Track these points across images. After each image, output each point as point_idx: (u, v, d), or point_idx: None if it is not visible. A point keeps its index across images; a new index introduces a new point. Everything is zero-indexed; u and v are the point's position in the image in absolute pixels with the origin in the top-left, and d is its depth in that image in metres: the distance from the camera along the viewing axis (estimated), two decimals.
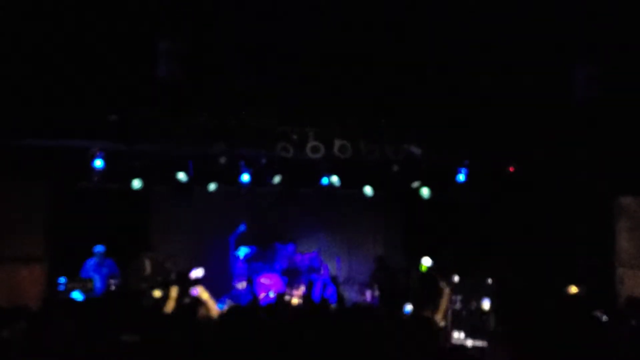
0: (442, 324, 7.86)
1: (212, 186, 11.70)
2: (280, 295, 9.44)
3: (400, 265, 12.65)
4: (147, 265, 10.69)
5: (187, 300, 8.19)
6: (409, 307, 9.41)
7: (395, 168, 11.25)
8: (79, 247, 10.73)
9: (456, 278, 9.81)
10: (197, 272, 10.31)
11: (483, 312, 9.26)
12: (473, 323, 9.14)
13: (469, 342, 8.65)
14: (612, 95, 8.97)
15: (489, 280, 9.62)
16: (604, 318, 7.07)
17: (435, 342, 5.75)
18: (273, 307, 8.44)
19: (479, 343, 8.31)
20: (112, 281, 10.24)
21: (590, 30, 8.54)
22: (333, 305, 9.84)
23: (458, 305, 9.64)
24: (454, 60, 9.15)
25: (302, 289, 11.70)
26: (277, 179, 11.56)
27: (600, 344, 5.30)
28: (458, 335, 8.84)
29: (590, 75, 8.93)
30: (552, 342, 5.14)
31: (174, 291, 9.04)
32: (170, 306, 8.90)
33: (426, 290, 11.32)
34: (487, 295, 9.41)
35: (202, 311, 7.63)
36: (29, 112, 9.14)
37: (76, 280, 9.83)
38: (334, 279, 9.31)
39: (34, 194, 10.25)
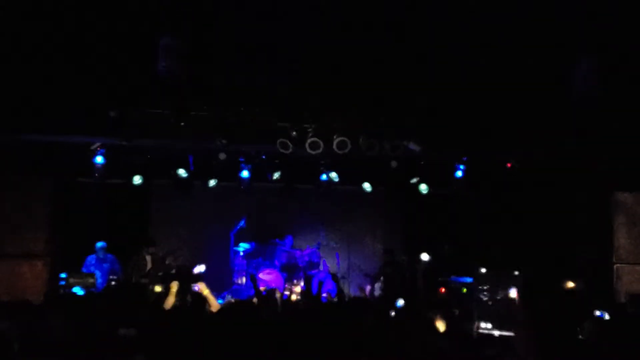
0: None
1: (212, 182, 11.73)
2: (270, 291, 9.48)
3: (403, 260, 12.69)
4: (148, 261, 10.72)
5: (189, 296, 8.23)
6: (400, 302, 9.44)
7: (394, 164, 11.29)
8: (80, 242, 10.77)
9: (483, 270, 9.84)
10: (199, 268, 10.35)
11: (510, 302, 9.31)
12: (500, 313, 9.16)
13: (496, 332, 8.70)
14: (611, 91, 8.98)
15: (516, 272, 9.65)
16: (606, 316, 7.11)
17: (434, 339, 5.81)
18: (266, 301, 8.54)
19: (506, 333, 8.34)
20: (113, 277, 10.27)
21: (591, 25, 8.53)
22: (333, 299, 9.92)
23: (485, 296, 9.66)
24: (452, 56, 9.14)
25: (301, 284, 11.76)
26: (276, 175, 11.59)
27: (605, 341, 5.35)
28: (485, 326, 8.89)
29: (589, 70, 8.93)
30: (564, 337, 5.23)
31: (174, 286, 9.09)
32: (170, 302, 8.95)
33: (427, 286, 11.39)
34: (514, 285, 9.45)
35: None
36: (29, 108, 9.15)
37: (77, 276, 9.86)
38: (334, 276, 9.36)
39: (35, 190, 10.27)
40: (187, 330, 6.51)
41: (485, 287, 9.69)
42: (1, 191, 10.04)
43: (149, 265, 10.63)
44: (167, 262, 10.75)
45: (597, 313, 7.32)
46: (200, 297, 7.68)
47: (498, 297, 9.57)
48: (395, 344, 5.57)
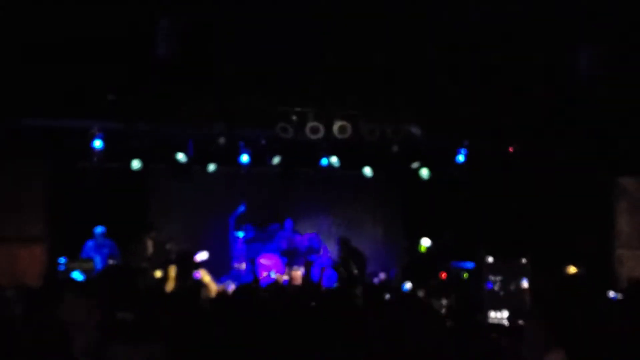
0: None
1: (212, 167, 11.67)
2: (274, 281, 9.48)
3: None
4: (149, 246, 10.65)
5: (189, 281, 8.21)
6: (408, 285, 9.42)
7: (395, 149, 11.24)
8: (79, 227, 10.71)
9: (490, 259, 9.79)
10: (202, 255, 10.31)
11: (522, 292, 9.30)
12: (511, 303, 9.15)
13: (506, 322, 8.70)
14: (614, 75, 8.93)
15: (524, 260, 9.59)
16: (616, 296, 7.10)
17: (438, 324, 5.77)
18: (271, 288, 8.52)
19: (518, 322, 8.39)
20: (112, 262, 10.22)
21: (596, 9, 8.48)
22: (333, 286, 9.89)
23: (497, 287, 9.61)
24: (455, 38, 9.09)
25: (301, 269, 11.71)
26: (276, 160, 11.52)
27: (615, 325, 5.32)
28: (495, 315, 8.89)
29: (593, 54, 8.89)
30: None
31: (172, 271, 9.07)
32: (170, 286, 8.94)
33: (424, 270, 11.34)
34: (524, 275, 9.43)
35: (203, 293, 7.67)
36: (29, 91, 9.08)
37: (76, 261, 9.81)
38: (336, 266, 9.35)
39: (33, 174, 10.21)
40: (183, 316, 6.49)
41: (497, 278, 9.64)
42: None
43: (150, 250, 10.56)
44: (167, 247, 10.67)
45: (611, 294, 7.29)
46: (197, 283, 7.67)
47: (510, 287, 9.52)
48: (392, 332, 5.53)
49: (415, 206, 12.95)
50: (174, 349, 5.09)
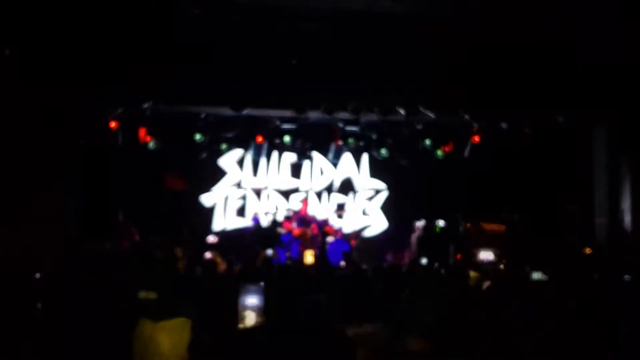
0: None
1: (226, 146, 11.72)
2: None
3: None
4: (186, 232, 10.77)
5: (200, 261, 8.30)
6: (424, 260, 9.45)
7: (410, 129, 11.24)
8: (97, 208, 10.81)
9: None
10: (210, 238, 10.42)
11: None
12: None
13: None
14: (630, 55, 8.90)
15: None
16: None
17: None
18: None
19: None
20: (132, 242, 10.34)
21: None
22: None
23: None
24: (469, 18, 9.03)
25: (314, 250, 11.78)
26: (287, 139, 11.49)
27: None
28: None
29: (607, 34, 8.85)
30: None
31: (179, 251, 9.21)
32: (180, 266, 9.06)
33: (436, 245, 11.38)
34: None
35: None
36: (48, 73, 9.12)
37: (95, 241, 9.88)
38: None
39: (51, 155, 10.25)
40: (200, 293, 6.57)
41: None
42: (18, 157, 10.03)
43: (185, 236, 10.69)
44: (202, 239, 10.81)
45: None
46: (211, 264, 7.76)
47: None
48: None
49: (429, 186, 12.93)
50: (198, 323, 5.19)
